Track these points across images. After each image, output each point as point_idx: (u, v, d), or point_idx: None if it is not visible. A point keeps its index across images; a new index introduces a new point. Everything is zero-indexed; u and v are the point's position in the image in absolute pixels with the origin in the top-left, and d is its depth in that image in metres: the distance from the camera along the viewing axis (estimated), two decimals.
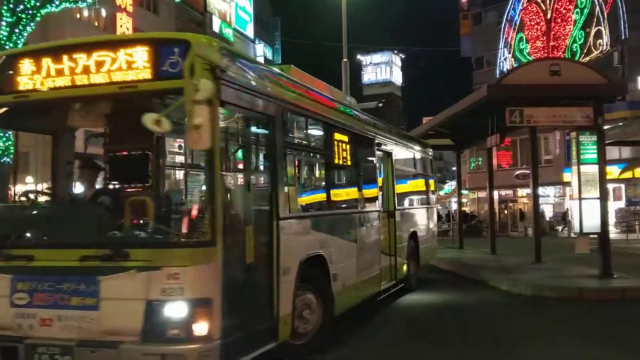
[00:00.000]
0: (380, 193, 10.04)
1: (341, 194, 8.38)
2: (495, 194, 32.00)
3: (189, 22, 44.78)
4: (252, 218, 5.53)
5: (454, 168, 30.90)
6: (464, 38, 55.96)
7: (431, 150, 14.89)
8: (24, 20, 13.62)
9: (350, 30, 21.51)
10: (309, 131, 7.48)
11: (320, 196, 7.83)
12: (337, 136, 7.94)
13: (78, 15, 32.85)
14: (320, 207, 7.76)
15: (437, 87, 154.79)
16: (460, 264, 15.85)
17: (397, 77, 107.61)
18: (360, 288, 8.40)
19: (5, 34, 13.43)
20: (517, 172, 37.67)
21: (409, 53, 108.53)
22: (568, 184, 29.38)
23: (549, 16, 41.93)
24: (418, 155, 13.13)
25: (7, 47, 13.39)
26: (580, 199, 12.66)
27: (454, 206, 39.62)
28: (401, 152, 11.54)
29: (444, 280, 14.17)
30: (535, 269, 14.21)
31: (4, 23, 13.43)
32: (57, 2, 14.49)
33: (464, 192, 39.00)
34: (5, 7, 13.42)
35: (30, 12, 13.71)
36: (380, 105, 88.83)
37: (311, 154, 8.03)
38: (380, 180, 10.16)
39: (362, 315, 9.03)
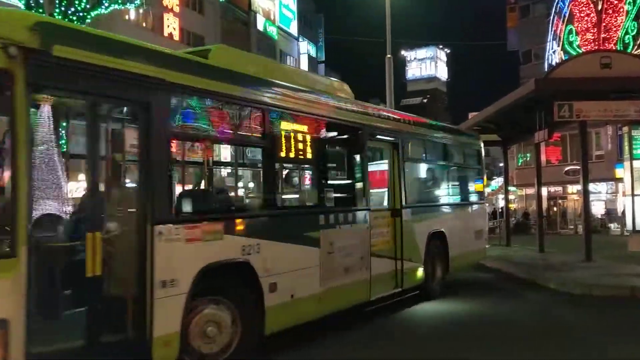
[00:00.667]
0: (378, 189, 9.25)
1: (281, 189, 7.19)
2: (544, 190, 31.20)
3: (233, 21, 45.30)
4: (104, 223, 4.81)
5: (501, 164, 30.34)
6: (510, 31, 54.76)
7: (479, 140, 13.21)
8: (75, 22, 14.02)
9: (394, 25, 21.34)
10: (213, 118, 6.13)
11: (237, 193, 7.00)
12: (272, 124, 6.58)
13: (127, 17, 33.65)
14: (241, 205, 6.85)
15: (483, 82, 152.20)
16: (506, 262, 15.56)
17: (442, 73, 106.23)
18: (328, 299, 7.17)
19: None
20: (567, 168, 36.63)
21: (454, 48, 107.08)
22: (620, 180, 28.39)
23: (599, 7, 40.59)
24: (453, 146, 11.72)
25: None
26: (633, 195, 12.26)
27: (500, 203, 38.86)
28: (419, 143, 10.33)
29: (485, 281, 13.29)
30: (585, 267, 13.85)
31: None
32: (106, 4, 14.89)
33: (511, 188, 38.20)
34: (57, 10, 13.86)
35: (81, 14, 14.11)
36: (425, 101, 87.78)
37: (216, 145, 6.89)
38: (377, 174, 9.42)
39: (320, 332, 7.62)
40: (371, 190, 8.85)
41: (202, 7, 41.38)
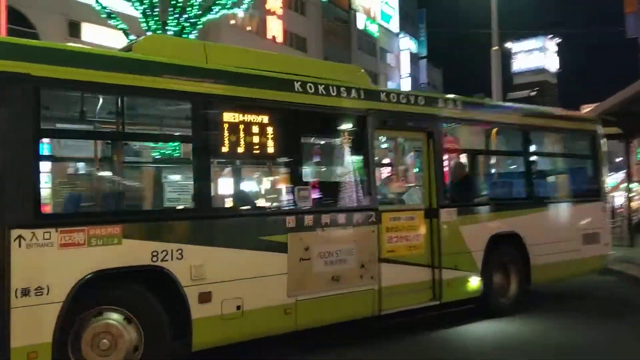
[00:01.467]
0: (402, 185, 8.27)
1: (217, 187, 6.59)
2: None
3: (334, 21, 45.62)
4: None
5: (618, 159, 28.32)
6: (629, 17, 51.05)
7: (594, 125, 10.57)
8: (187, 28, 14.65)
9: (499, 16, 20.52)
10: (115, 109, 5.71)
11: (145, 193, 6.28)
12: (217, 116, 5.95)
13: (232, 21, 34.84)
14: (151, 206, 6.24)
15: (598, 72, 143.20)
16: (630, 264, 14.45)
17: (552, 64, 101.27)
18: (303, 311, 6.28)
19: None
20: None
21: (565, 37, 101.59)
22: None
23: None
24: (540, 132, 9.64)
25: None
26: None
27: (618, 200, 36.34)
28: (474, 130, 8.73)
29: (601, 288, 11.09)
30: None
31: (170, 32, 14.55)
32: (216, 10, 15.40)
33: (633, 185, 35.61)
34: (170, 17, 14.53)
35: (193, 20, 14.70)
36: (533, 94, 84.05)
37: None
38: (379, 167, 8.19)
39: None
40: (394, 187, 8.21)
41: (304, 8, 42.03)
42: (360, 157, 7.14)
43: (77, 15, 29.99)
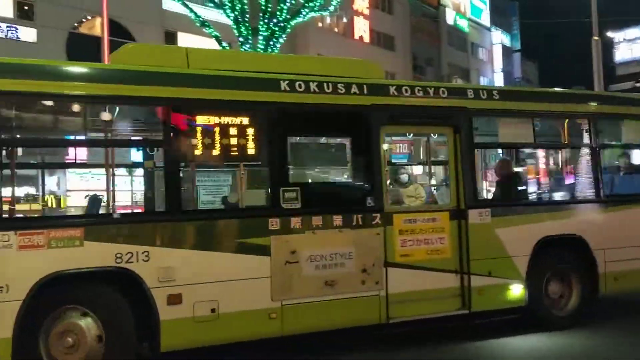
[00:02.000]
0: (425, 184, 7.81)
1: (190, 189, 6.39)
2: None
3: (422, 18, 44.96)
4: None
5: None
6: None
7: None
8: (277, 33, 14.93)
9: (598, 3, 19.38)
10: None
11: (110, 195, 6.03)
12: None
13: (320, 24, 35.13)
14: (113, 210, 6.04)
15: None
16: None
17: None
18: (291, 316, 6.05)
19: (262, 47, 14.87)
20: None
21: None
22: None
23: None
24: (602, 120, 8.26)
25: None
26: None
27: None
28: (512, 122, 7.64)
29: None
30: None
31: (260, 37, 14.89)
32: (304, 13, 15.60)
33: None
34: (261, 22, 14.87)
35: (282, 24, 14.97)
36: (638, 84, 78.86)
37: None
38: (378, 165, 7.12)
39: None
40: (412, 186, 7.98)
41: (391, 7, 41.68)
42: (363, 155, 6.69)
43: (173, 25, 31.32)
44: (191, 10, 15.67)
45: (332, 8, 17.59)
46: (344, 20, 35.03)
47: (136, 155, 7.20)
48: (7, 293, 4.92)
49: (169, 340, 5.50)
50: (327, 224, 6.25)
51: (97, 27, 26.94)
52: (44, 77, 5.49)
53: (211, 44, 21.91)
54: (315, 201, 6.36)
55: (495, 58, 56.20)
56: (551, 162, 9.32)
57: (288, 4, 15.04)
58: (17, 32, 26.98)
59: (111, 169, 6.16)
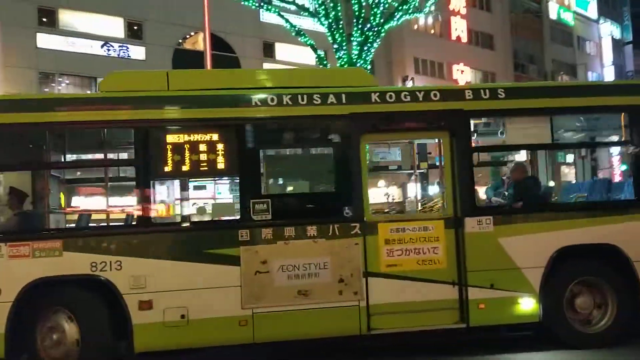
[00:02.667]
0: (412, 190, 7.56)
1: (155, 202, 6.61)
2: None
3: (523, 14, 43.27)
4: None
5: None
6: None
7: None
8: (371, 37, 14.92)
9: None
10: None
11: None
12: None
13: (415, 26, 34.73)
14: (89, 223, 7.04)
15: None
16: None
17: None
18: (263, 325, 6.22)
19: (356, 52, 14.93)
20: None
21: None
22: None
23: None
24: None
25: (358, 64, 14.85)
26: None
27: None
28: (540, 121, 6.97)
29: None
30: None
31: (354, 43, 14.94)
32: (397, 16, 15.49)
33: None
34: (355, 28, 14.93)
35: (376, 29, 14.95)
36: None
37: None
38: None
39: None
40: (408, 191, 7.50)
41: (489, 5, 40.47)
42: (341, 165, 6.63)
43: (271, 36, 32.19)
44: (287, 21, 16.02)
45: (426, 10, 17.34)
46: (440, 20, 34.39)
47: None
48: (0, 295, 5.96)
49: (141, 342, 6.07)
50: (300, 235, 6.33)
51: (200, 42, 28.21)
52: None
53: (307, 52, 22.23)
54: (287, 212, 6.51)
55: (605, 51, 52.94)
56: (579, 162, 8.39)
57: (382, 9, 15.00)
58: (127, 51, 28.81)
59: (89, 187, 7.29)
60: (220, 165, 6.36)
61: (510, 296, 6.58)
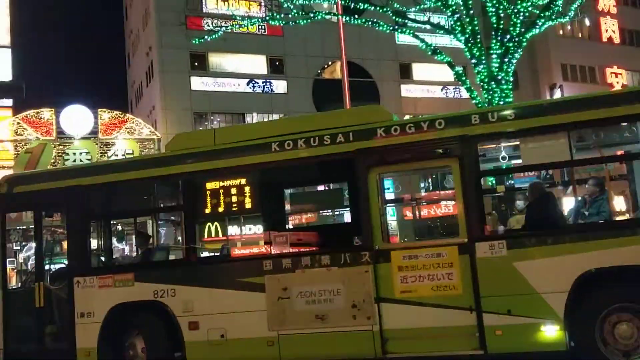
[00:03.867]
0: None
1: (199, 241, 7.93)
2: None
3: None
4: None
5: None
6: None
7: None
8: (512, 48, 14.31)
9: None
10: None
11: (148, 250, 8.35)
12: None
13: (560, 31, 32.83)
14: (151, 258, 8.23)
15: None
16: None
17: None
18: (287, 345, 6.91)
19: (496, 65, 14.39)
20: None
21: None
22: None
23: None
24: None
25: (499, 76, 14.29)
26: None
27: None
28: (553, 139, 6.51)
29: None
30: None
31: (494, 55, 14.41)
32: (540, 23, 14.73)
33: None
34: (493, 40, 14.41)
35: (516, 39, 14.31)
36: None
37: None
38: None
39: None
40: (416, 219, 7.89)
41: None
42: (352, 198, 7.07)
43: (407, 57, 32.19)
44: (422, 41, 15.88)
45: (571, 13, 16.30)
46: (588, 22, 32.19)
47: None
48: (93, 317, 7.68)
49: (191, 356, 7.24)
50: (315, 263, 6.91)
51: (338, 70, 28.96)
52: None
53: (445, 70, 21.86)
54: (303, 244, 7.24)
55: None
56: (605, 179, 7.31)
57: (522, 18, 14.36)
58: (271, 86, 30.36)
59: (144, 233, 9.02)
60: (248, 205, 7.30)
61: (532, 323, 6.25)
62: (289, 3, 16.34)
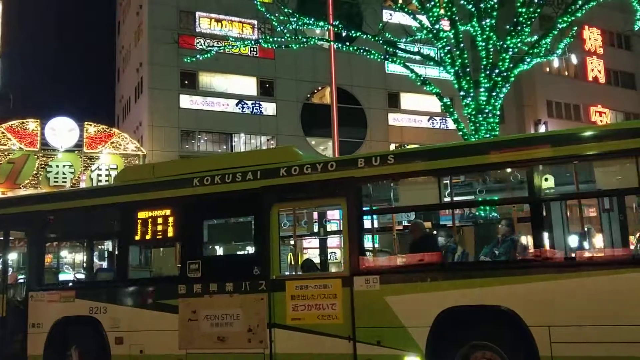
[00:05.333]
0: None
1: (124, 266, 8.53)
2: None
3: None
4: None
5: None
6: None
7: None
8: (500, 83, 14.48)
9: None
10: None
11: (87, 271, 9.17)
12: None
13: (547, 68, 33.39)
14: (88, 278, 9.04)
15: None
16: None
17: None
18: None
19: (484, 98, 14.54)
20: None
21: None
22: None
23: None
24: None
25: (486, 109, 14.45)
26: None
27: None
28: (419, 183, 7.10)
29: None
30: None
31: (482, 89, 14.57)
32: (528, 60, 14.95)
33: None
34: (482, 74, 14.58)
35: (504, 74, 14.50)
36: None
37: None
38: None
39: None
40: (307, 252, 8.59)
41: (628, 42, 38.07)
42: (256, 232, 7.58)
43: (396, 86, 32.51)
44: (412, 71, 16.04)
45: (559, 51, 16.59)
46: (574, 62, 32.78)
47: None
48: (41, 328, 8.54)
49: None
50: (221, 289, 7.50)
51: (327, 96, 29.18)
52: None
53: (432, 101, 22.07)
54: (212, 271, 7.69)
55: None
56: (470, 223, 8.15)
57: (511, 53, 14.58)
58: (260, 107, 30.44)
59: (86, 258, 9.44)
60: (170, 233, 8.04)
61: (396, 354, 6.61)
62: (282, 27, 16.44)
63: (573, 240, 6.86)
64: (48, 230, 9.06)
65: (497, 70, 14.43)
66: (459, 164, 6.67)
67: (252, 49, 29.08)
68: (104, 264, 9.84)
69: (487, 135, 14.13)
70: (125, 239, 8.41)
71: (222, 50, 19.63)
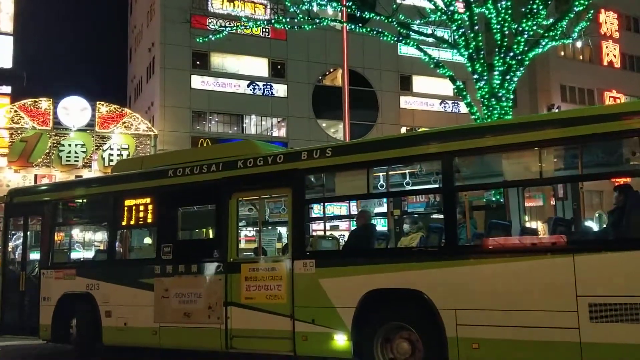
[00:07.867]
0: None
1: (111, 248, 9.74)
2: None
3: None
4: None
5: None
6: None
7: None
8: (514, 66, 14.34)
9: None
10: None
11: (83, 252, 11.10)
12: None
13: (562, 52, 33.02)
14: (87, 259, 10.61)
15: None
16: None
17: None
18: (166, 335, 8.51)
19: (497, 82, 14.42)
20: None
21: None
22: None
23: None
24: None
25: (500, 93, 14.33)
26: None
27: None
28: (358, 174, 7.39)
29: None
30: None
31: (496, 72, 14.44)
32: (543, 43, 14.77)
33: None
34: (496, 57, 14.44)
35: (519, 57, 14.35)
36: None
37: None
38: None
39: None
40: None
41: None
42: (217, 218, 8.29)
43: (408, 69, 32.27)
44: (425, 53, 15.90)
45: (575, 35, 16.38)
46: (590, 45, 32.39)
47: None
48: (50, 301, 9.74)
49: (106, 339, 9.07)
50: (188, 270, 8.40)
51: (339, 78, 29.02)
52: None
53: (445, 83, 21.90)
54: (181, 254, 8.54)
55: None
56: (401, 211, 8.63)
57: (526, 36, 14.41)
58: (271, 89, 30.35)
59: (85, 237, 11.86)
60: (150, 219, 8.99)
61: (327, 332, 7.20)
62: (294, 7, 16.33)
63: (479, 229, 7.55)
64: (56, 215, 10.21)
65: (511, 54, 14.29)
66: (381, 157, 7.24)
67: (264, 29, 28.94)
68: (99, 246, 11.18)
69: (500, 119, 14.04)
70: (114, 224, 9.46)
71: (234, 31, 19.50)
